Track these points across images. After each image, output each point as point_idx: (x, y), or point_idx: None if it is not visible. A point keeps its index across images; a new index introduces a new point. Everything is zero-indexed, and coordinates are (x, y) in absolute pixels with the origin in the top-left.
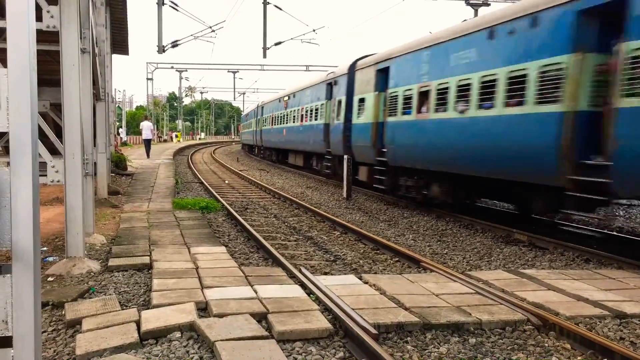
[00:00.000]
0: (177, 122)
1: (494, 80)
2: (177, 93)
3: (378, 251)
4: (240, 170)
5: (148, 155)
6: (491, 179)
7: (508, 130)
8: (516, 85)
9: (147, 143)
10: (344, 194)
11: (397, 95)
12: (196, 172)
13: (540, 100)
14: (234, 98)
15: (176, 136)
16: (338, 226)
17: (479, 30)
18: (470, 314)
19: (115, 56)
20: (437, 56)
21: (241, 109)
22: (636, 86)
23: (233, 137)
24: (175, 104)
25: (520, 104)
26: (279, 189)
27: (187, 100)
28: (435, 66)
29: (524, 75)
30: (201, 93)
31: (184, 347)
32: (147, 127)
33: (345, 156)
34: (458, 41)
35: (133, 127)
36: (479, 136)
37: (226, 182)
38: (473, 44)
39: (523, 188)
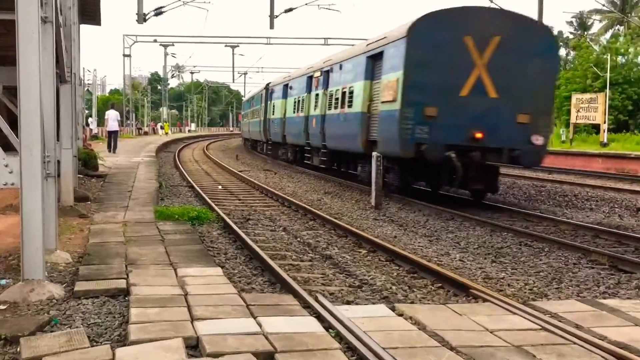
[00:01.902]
0: (161, 109)
1: (344, 92)
2: (161, 73)
3: (415, 274)
4: (240, 171)
5: (111, 150)
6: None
7: (345, 121)
8: (348, 97)
9: (112, 136)
10: (372, 202)
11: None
12: (185, 173)
13: (354, 105)
14: (233, 79)
15: (162, 128)
16: (364, 242)
17: (350, 58)
18: (535, 356)
19: (84, 27)
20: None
21: (242, 93)
22: (386, 99)
23: (231, 128)
24: (159, 87)
25: (349, 106)
26: (289, 194)
27: (173, 83)
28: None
29: (351, 91)
30: (192, 73)
31: None
32: (113, 117)
33: (374, 153)
34: (337, 65)
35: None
36: (331, 125)
37: (222, 186)
38: (341, 69)
39: (353, 156)
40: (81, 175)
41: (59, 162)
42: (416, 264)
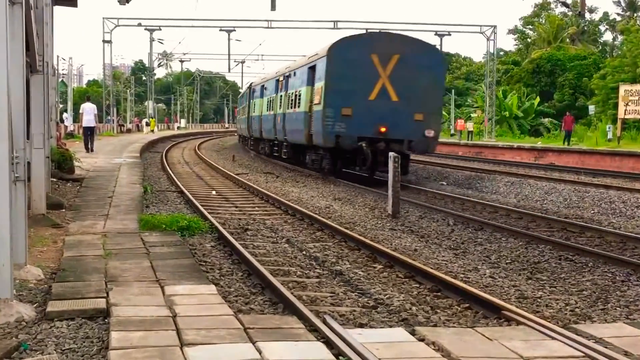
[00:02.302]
0: (146, 103)
1: (296, 95)
2: (146, 62)
3: (439, 293)
4: (237, 174)
5: (88, 149)
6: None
7: (296, 119)
8: (298, 98)
9: (88, 132)
10: (389, 209)
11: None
12: (173, 177)
13: (300, 106)
14: (229, 69)
15: (148, 124)
16: (380, 256)
17: (300, 67)
18: None
19: (58, 9)
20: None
21: (239, 84)
22: (316, 102)
23: (227, 125)
24: (144, 78)
25: (298, 107)
26: (293, 201)
27: (160, 72)
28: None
29: (300, 94)
30: (181, 62)
31: None
32: (88, 111)
33: (391, 154)
34: (292, 72)
35: None
36: (289, 122)
37: (216, 191)
38: (294, 76)
39: (303, 148)
40: (55, 179)
41: (29, 163)
42: (440, 281)
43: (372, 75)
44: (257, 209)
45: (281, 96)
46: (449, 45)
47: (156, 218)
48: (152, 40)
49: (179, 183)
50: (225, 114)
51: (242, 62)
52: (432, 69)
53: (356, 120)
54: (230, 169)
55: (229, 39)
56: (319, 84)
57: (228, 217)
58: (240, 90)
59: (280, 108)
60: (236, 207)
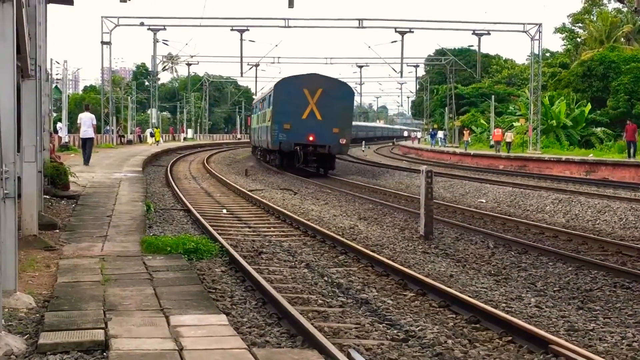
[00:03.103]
0: (149, 112)
1: (266, 113)
2: (149, 65)
3: (478, 325)
4: (250, 191)
5: (86, 162)
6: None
7: (267, 131)
8: (265, 116)
9: (87, 144)
10: (421, 230)
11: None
12: (179, 193)
13: (266, 121)
14: (242, 73)
15: (152, 135)
16: (411, 282)
17: (269, 92)
18: None
19: (52, 7)
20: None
21: (252, 90)
22: (268, 119)
23: (239, 136)
24: (147, 84)
25: (264, 122)
26: (314, 220)
27: (165, 77)
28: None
29: (265, 113)
30: (188, 65)
31: None
32: (87, 122)
33: (423, 167)
34: (264, 97)
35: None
36: (262, 133)
37: (227, 209)
38: (265, 100)
39: (267, 151)
40: (48, 196)
41: (19, 179)
42: (479, 311)
43: (304, 102)
44: (272, 229)
45: (264, 112)
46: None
47: (160, 240)
48: (155, 41)
49: (185, 200)
50: (238, 123)
51: (256, 66)
52: (344, 99)
53: (293, 132)
54: (242, 184)
55: (241, 40)
56: (270, 108)
57: (240, 238)
58: (253, 96)
59: (264, 122)
60: (249, 227)
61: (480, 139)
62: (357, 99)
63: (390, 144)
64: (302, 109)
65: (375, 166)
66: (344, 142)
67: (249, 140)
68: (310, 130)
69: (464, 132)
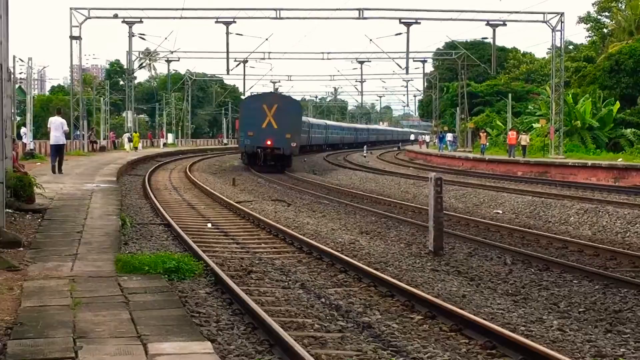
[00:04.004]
0: (124, 114)
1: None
2: (124, 62)
3: (494, 351)
4: (239, 202)
5: (56, 170)
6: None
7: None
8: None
9: (57, 151)
10: (430, 245)
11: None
12: (158, 206)
13: (239, 130)
14: (228, 70)
15: (130, 140)
16: (419, 304)
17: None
18: None
19: None
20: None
21: (240, 89)
22: (237, 128)
23: (226, 140)
24: (122, 83)
25: (239, 130)
26: (309, 235)
27: (142, 76)
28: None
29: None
30: (168, 62)
31: None
32: (57, 126)
33: (433, 174)
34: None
35: (45, 126)
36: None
37: (212, 223)
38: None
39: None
40: (10, 210)
41: None
42: (495, 335)
43: (263, 115)
44: (263, 245)
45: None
46: (504, 38)
47: (137, 258)
48: (131, 35)
49: (165, 214)
50: (224, 127)
51: (245, 62)
52: (294, 112)
53: (255, 138)
54: (230, 195)
55: (227, 33)
56: (240, 120)
57: (227, 256)
58: (242, 96)
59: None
60: (237, 243)
61: (495, 143)
62: (357, 98)
63: (395, 148)
64: (262, 120)
65: (378, 173)
66: (294, 145)
67: (237, 145)
68: (268, 136)
69: (481, 134)
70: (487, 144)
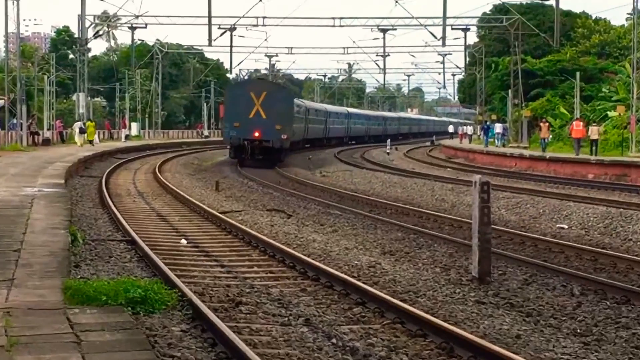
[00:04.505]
0: (75, 96)
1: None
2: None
3: None
4: (224, 213)
5: None
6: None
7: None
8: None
9: None
10: (473, 269)
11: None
12: (119, 217)
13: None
14: (210, 41)
15: (83, 131)
16: (459, 346)
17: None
18: None
19: None
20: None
21: (226, 65)
22: (221, 117)
23: (206, 132)
24: (72, 57)
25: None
26: (316, 256)
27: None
28: None
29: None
30: (132, 29)
31: None
32: None
33: (477, 177)
34: None
35: None
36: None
37: (187, 240)
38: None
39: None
40: None
41: None
42: None
43: (251, 103)
44: (256, 269)
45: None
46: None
47: (91, 285)
48: None
49: (128, 227)
50: (204, 114)
51: (232, 30)
52: (285, 100)
53: (242, 129)
54: (212, 203)
55: None
56: (224, 108)
57: (209, 282)
58: (227, 74)
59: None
60: (222, 266)
61: (559, 136)
62: (378, 78)
63: (428, 143)
64: (250, 109)
65: (406, 176)
66: (285, 138)
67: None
68: (256, 127)
69: (541, 125)
70: (550, 137)
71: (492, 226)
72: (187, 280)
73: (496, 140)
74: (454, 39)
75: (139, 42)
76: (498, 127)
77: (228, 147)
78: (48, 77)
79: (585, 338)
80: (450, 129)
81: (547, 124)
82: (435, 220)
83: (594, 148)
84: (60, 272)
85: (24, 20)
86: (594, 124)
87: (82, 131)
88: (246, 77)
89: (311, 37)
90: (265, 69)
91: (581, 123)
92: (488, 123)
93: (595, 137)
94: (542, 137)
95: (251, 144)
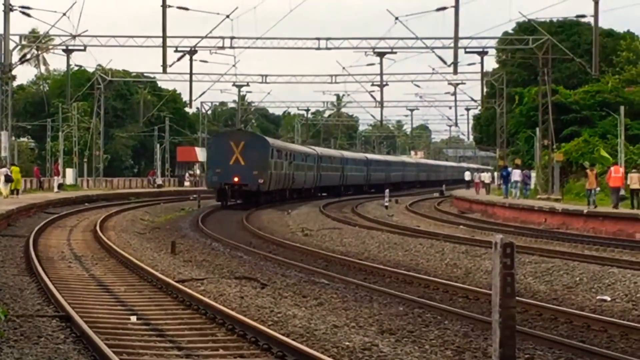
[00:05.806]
0: None
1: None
2: None
3: None
4: (181, 282)
5: None
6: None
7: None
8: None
9: None
10: (494, 353)
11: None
12: (51, 287)
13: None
14: (165, 67)
15: (9, 180)
16: None
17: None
18: None
19: None
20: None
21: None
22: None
23: (160, 180)
24: None
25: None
26: (298, 335)
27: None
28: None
29: None
30: (67, 52)
31: None
32: None
33: (498, 237)
34: None
35: None
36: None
37: (137, 316)
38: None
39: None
40: None
41: None
42: None
43: (230, 152)
44: (222, 352)
45: None
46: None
47: None
48: (8, 9)
49: (62, 300)
50: (157, 157)
51: (191, 53)
52: (261, 148)
53: (223, 174)
54: (167, 270)
55: (164, 6)
56: (207, 157)
57: None
58: (186, 108)
59: None
60: (179, 349)
61: (600, 185)
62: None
63: (437, 194)
64: (230, 157)
65: (409, 235)
66: (261, 182)
67: (179, 187)
68: (235, 173)
69: (588, 172)
70: (598, 188)
71: (517, 298)
72: None
73: (514, 190)
74: (468, 64)
75: (75, 67)
76: (516, 174)
77: (212, 189)
78: None
79: None
80: (467, 176)
81: (594, 171)
82: (445, 291)
83: (635, 200)
84: None
85: None
86: (633, 171)
87: (8, 179)
88: (209, 112)
89: (290, 63)
90: (234, 101)
91: (620, 169)
92: (509, 169)
93: (635, 186)
94: (588, 188)
95: (231, 187)
